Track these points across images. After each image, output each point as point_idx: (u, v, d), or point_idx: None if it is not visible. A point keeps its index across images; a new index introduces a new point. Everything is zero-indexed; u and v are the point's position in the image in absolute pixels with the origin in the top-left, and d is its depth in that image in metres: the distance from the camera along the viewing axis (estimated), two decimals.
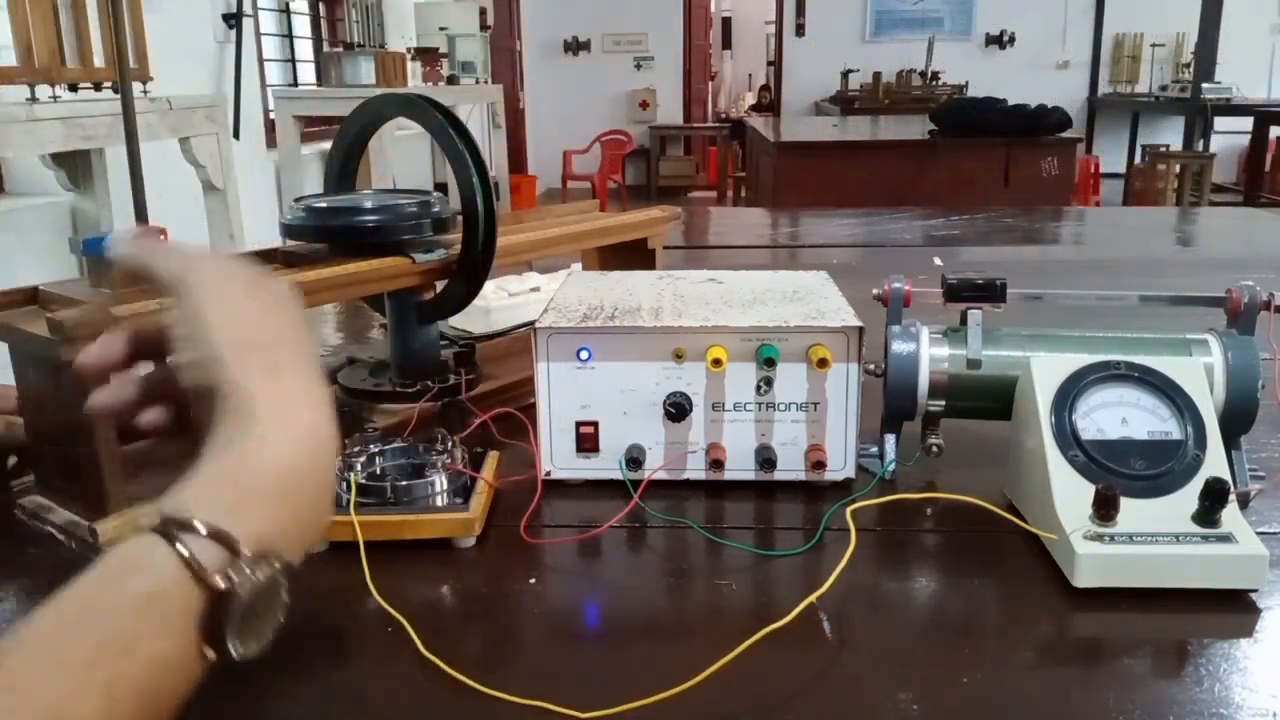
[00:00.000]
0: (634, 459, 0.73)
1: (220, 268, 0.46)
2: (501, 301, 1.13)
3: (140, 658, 0.32)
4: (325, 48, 5.81)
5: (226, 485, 0.37)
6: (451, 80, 5.62)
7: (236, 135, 3.58)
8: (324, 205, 0.81)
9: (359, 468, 0.67)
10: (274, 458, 0.38)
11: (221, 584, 0.34)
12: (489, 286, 0.91)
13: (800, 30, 9.09)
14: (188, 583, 0.34)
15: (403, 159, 5.22)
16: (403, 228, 0.79)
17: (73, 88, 2.53)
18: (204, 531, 0.34)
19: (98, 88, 2.61)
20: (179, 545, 0.34)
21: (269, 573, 0.36)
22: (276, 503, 0.38)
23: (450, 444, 0.69)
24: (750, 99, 12.12)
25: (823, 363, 0.70)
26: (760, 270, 0.90)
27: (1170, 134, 7.76)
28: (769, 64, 10.90)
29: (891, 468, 0.76)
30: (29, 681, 0.30)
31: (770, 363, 0.70)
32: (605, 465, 0.74)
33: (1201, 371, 0.66)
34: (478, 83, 5.91)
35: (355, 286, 0.78)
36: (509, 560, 0.65)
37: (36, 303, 0.70)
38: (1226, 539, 0.59)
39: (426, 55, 5.43)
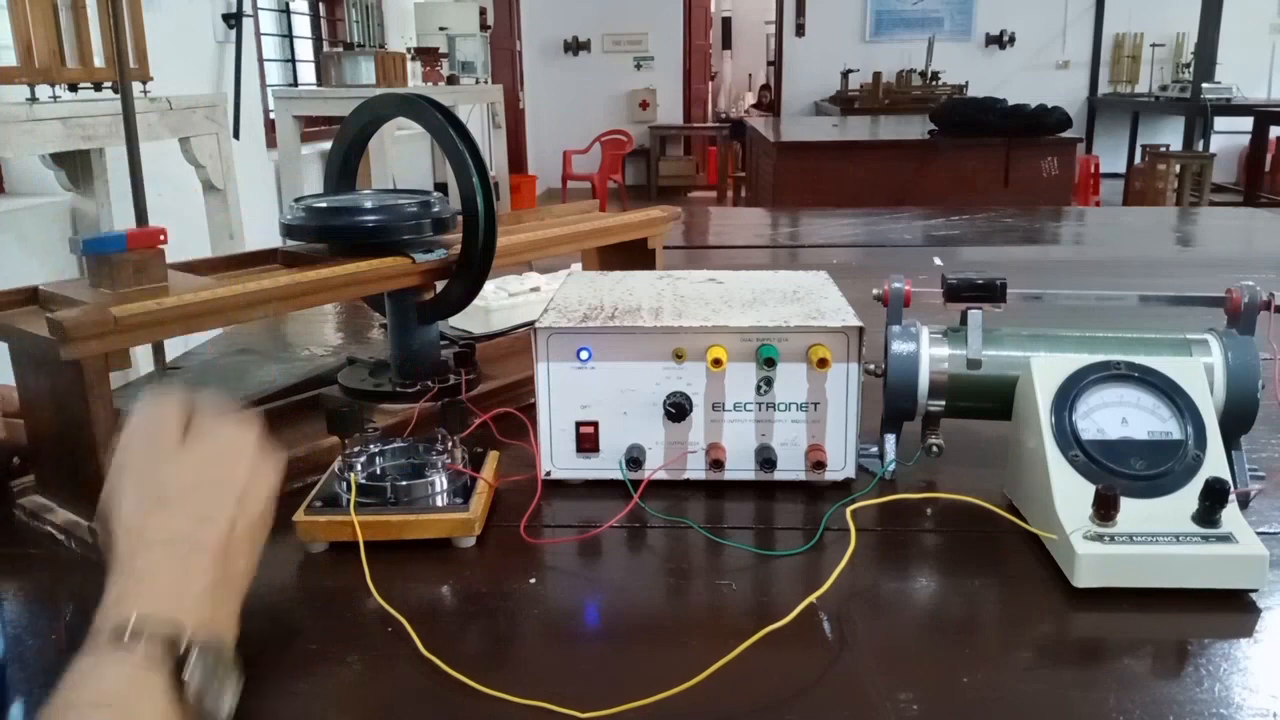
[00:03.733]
0: (634, 459, 0.73)
1: (161, 424, 0.51)
2: (501, 301, 1.13)
3: None
4: (325, 48, 5.81)
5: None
6: (451, 80, 5.62)
7: (236, 135, 3.58)
8: (324, 205, 0.81)
9: (359, 468, 0.67)
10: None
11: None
12: (489, 286, 0.91)
13: (800, 30, 9.08)
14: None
15: (403, 159, 5.22)
16: (403, 228, 0.79)
17: (73, 88, 2.53)
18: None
19: (98, 88, 2.61)
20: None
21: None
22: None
23: (450, 444, 0.69)
24: (750, 99, 12.12)
25: (823, 363, 0.70)
26: (760, 270, 0.90)
27: (1170, 134, 7.76)
28: (769, 64, 10.90)
29: (891, 468, 0.76)
30: None
31: (770, 363, 0.70)
32: (605, 465, 0.74)
33: (1201, 371, 0.66)
34: (478, 83, 5.91)
35: (355, 286, 0.78)
36: (509, 560, 0.65)
37: (36, 303, 0.70)
38: (1226, 539, 0.59)
39: (426, 55, 5.43)
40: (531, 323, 0.74)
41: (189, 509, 0.47)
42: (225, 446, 0.52)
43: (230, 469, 0.51)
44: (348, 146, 0.88)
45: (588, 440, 0.74)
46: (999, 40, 8.82)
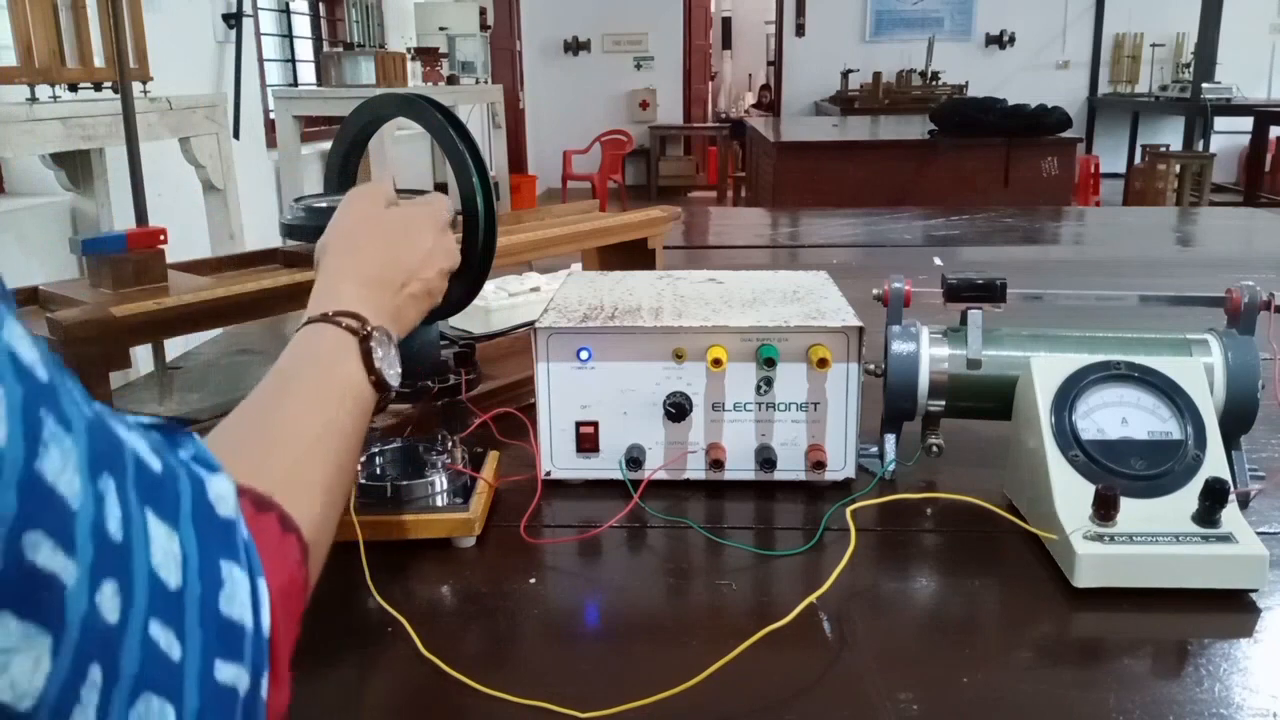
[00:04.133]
0: (634, 459, 0.73)
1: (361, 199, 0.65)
2: (501, 301, 1.13)
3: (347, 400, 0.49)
4: (325, 48, 5.80)
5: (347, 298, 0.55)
6: (451, 80, 5.61)
7: (236, 135, 3.58)
8: (324, 205, 0.81)
9: (359, 468, 0.67)
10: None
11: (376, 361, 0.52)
12: (489, 286, 0.91)
13: (800, 30, 9.08)
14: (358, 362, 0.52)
15: (403, 159, 5.22)
16: None
17: (73, 88, 2.53)
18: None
19: (98, 88, 2.61)
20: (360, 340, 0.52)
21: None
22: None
23: (450, 444, 0.69)
24: (750, 99, 12.11)
25: (823, 363, 0.70)
26: (760, 270, 0.90)
27: (1170, 134, 7.75)
28: (769, 64, 10.90)
29: (891, 468, 0.76)
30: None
31: (770, 363, 0.70)
32: (605, 465, 0.74)
33: (1201, 371, 0.66)
34: (478, 83, 5.91)
35: None
36: (509, 560, 0.65)
37: (36, 303, 0.70)
38: (1226, 539, 0.59)
39: (426, 55, 5.42)
40: (531, 323, 0.74)
41: (376, 260, 0.59)
42: (416, 221, 0.64)
43: (413, 238, 0.63)
44: (348, 146, 0.88)
45: (588, 440, 0.74)
46: (999, 40, 8.82)
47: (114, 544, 0.25)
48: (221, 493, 0.32)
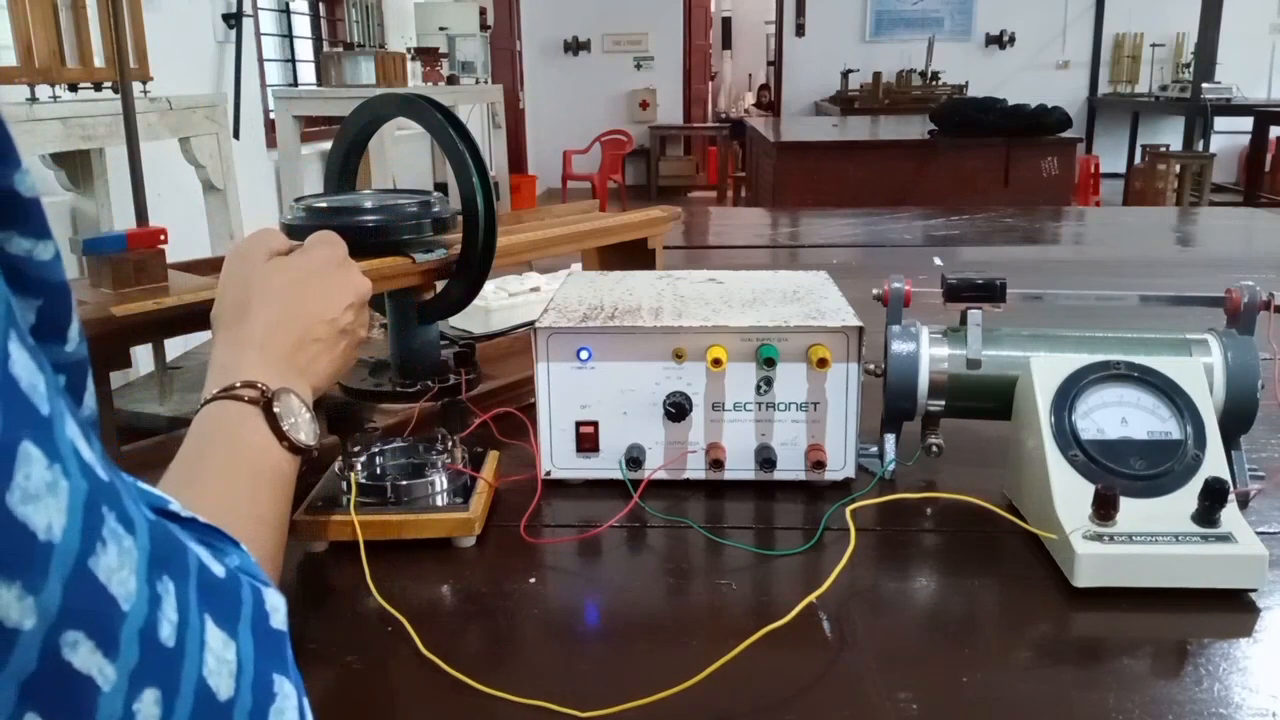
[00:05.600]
0: (634, 459, 0.73)
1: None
2: (501, 301, 1.13)
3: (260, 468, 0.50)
4: (325, 48, 5.80)
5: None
6: (451, 80, 5.61)
7: (236, 135, 3.58)
8: (324, 205, 0.81)
9: (359, 467, 0.67)
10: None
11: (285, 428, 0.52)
12: (489, 286, 0.91)
13: (800, 30, 9.08)
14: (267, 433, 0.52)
15: (403, 159, 5.22)
16: (403, 228, 0.79)
17: (73, 88, 2.53)
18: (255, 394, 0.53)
19: (98, 88, 2.61)
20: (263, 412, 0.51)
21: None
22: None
23: (450, 444, 0.69)
24: (750, 99, 12.11)
25: (823, 363, 0.70)
26: (760, 270, 0.90)
27: (1170, 134, 7.75)
28: (769, 64, 10.90)
29: (891, 468, 0.76)
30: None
31: (770, 363, 0.70)
32: (605, 465, 0.74)
33: (1201, 371, 0.66)
34: (478, 83, 5.91)
35: None
36: (509, 560, 0.65)
37: None
38: (1226, 539, 0.59)
39: (426, 55, 5.42)
40: (531, 323, 0.74)
41: (266, 320, 0.57)
42: (305, 265, 0.61)
43: (306, 285, 0.60)
44: (348, 146, 0.88)
45: (588, 440, 0.74)
46: (999, 40, 8.82)
47: (163, 649, 0.24)
48: (276, 604, 0.32)
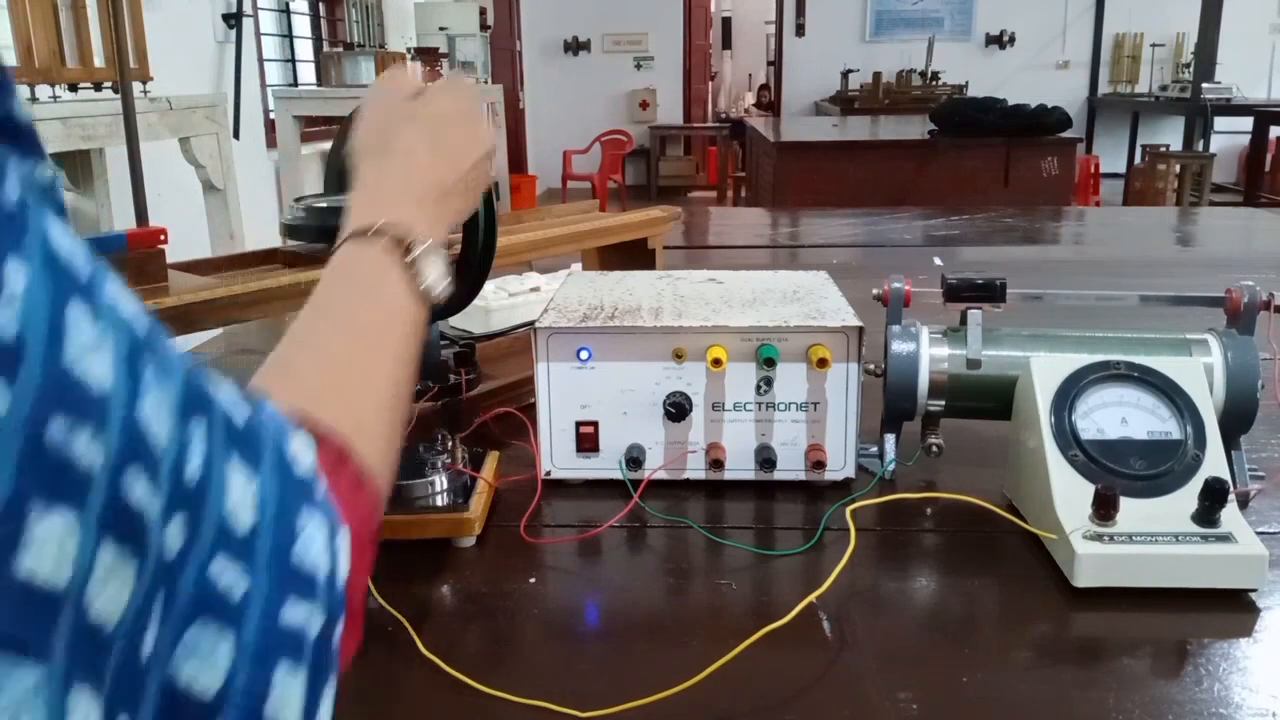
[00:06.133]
0: (634, 459, 0.73)
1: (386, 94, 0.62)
2: (501, 301, 1.13)
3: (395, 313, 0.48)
4: (325, 48, 5.80)
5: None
6: None
7: (236, 135, 3.58)
8: (324, 205, 0.81)
9: None
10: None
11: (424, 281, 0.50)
12: (489, 286, 0.91)
13: (800, 30, 9.08)
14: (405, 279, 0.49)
15: None
16: None
17: (73, 88, 2.53)
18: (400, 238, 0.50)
19: (98, 88, 2.61)
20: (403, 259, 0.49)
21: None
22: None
23: (450, 444, 0.69)
24: (750, 99, 12.11)
25: (823, 363, 0.70)
26: (760, 270, 0.90)
27: (1170, 134, 7.75)
28: (769, 64, 10.89)
29: (891, 468, 0.76)
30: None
31: (770, 363, 0.70)
32: (605, 465, 0.74)
33: (1201, 371, 0.66)
34: (478, 82, 5.91)
35: None
36: (509, 560, 0.65)
37: None
38: (1226, 539, 0.59)
39: (426, 55, 5.42)
40: (531, 323, 0.74)
41: (412, 161, 0.56)
42: (448, 111, 0.60)
43: (447, 132, 0.59)
44: (348, 146, 0.88)
45: (588, 440, 0.74)
46: (999, 40, 8.82)
47: (188, 484, 0.27)
48: (299, 450, 0.33)
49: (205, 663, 0.27)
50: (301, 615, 0.31)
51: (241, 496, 0.29)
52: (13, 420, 0.21)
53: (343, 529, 0.34)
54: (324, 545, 0.32)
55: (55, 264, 0.23)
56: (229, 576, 0.28)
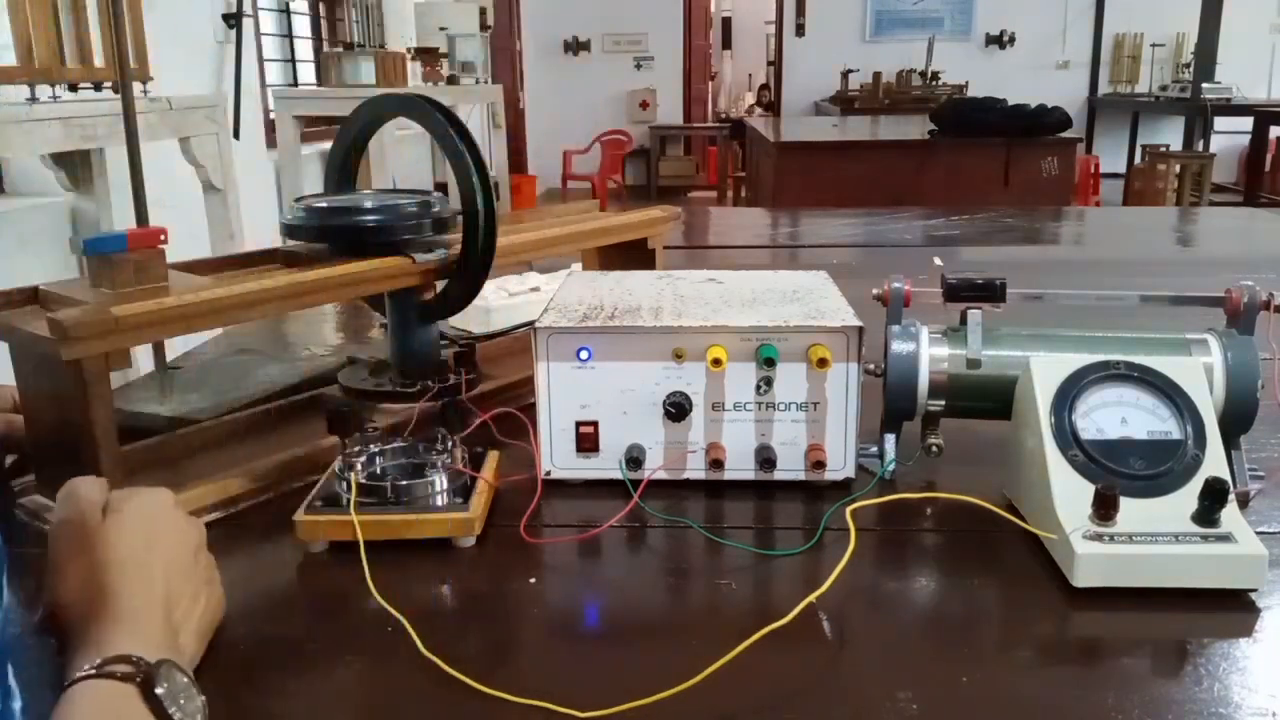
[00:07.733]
0: (634, 459, 0.73)
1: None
2: (501, 301, 1.13)
3: None
4: (325, 48, 5.81)
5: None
6: (451, 80, 5.61)
7: (236, 135, 3.57)
8: (324, 205, 0.81)
9: (359, 468, 0.67)
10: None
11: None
12: (489, 286, 0.91)
13: (800, 30, 9.08)
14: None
15: (403, 159, 5.22)
16: (403, 228, 0.79)
17: (73, 88, 2.53)
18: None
19: (98, 88, 2.61)
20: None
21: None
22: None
23: (450, 444, 0.69)
24: (750, 99, 12.11)
25: (823, 363, 0.70)
26: (760, 270, 0.90)
27: (1170, 134, 7.76)
28: (769, 64, 10.89)
29: (891, 468, 0.76)
30: None
31: (770, 363, 0.70)
32: (605, 465, 0.74)
33: (1201, 371, 0.66)
34: (478, 83, 5.90)
35: (355, 286, 0.78)
36: (509, 560, 0.65)
37: (37, 303, 0.70)
38: (1226, 539, 0.59)
39: (426, 55, 5.42)
40: (531, 323, 0.74)
41: (124, 580, 0.51)
42: (143, 516, 0.55)
43: (152, 537, 0.54)
44: (348, 146, 0.88)
45: (588, 440, 0.74)
46: (999, 40, 8.82)
47: None
48: None
49: None
50: None
51: None
52: None
53: None
54: None
55: None
56: None
